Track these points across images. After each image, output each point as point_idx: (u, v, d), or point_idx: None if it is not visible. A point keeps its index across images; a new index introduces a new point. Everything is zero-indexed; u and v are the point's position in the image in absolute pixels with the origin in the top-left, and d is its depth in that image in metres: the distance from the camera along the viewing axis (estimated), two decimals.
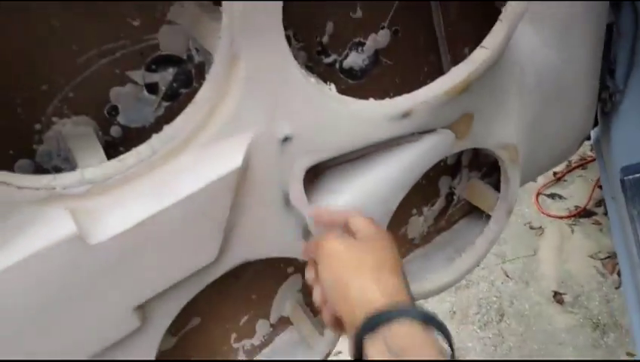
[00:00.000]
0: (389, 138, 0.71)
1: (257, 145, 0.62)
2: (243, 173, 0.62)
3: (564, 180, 2.43)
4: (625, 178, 1.12)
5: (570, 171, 2.46)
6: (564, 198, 2.36)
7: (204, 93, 0.59)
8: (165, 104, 0.68)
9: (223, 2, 0.55)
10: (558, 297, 1.99)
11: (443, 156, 0.78)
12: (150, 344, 0.68)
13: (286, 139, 0.64)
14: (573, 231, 2.22)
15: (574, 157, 2.51)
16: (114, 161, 0.58)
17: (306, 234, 0.72)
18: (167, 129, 0.59)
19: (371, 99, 0.69)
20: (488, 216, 0.96)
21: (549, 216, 2.29)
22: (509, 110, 0.83)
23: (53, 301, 0.56)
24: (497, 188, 0.94)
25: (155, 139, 0.59)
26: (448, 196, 1.01)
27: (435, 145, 0.76)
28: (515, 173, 0.89)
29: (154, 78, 0.66)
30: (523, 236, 2.23)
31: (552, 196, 2.36)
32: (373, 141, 0.70)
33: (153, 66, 0.65)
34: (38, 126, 0.62)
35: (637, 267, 0.99)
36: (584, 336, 1.86)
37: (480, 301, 2.03)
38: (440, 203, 1.01)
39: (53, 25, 0.58)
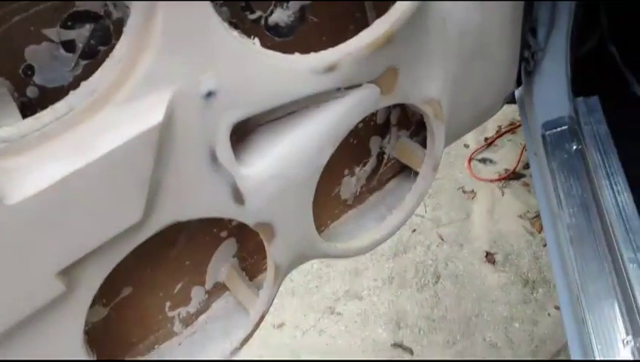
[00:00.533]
0: (315, 93, 0.71)
1: (180, 101, 0.61)
2: (166, 129, 0.61)
3: (495, 145, 2.51)
4: (545, 133, 1.17)
5: (500, 136, 2.54)
6: (495, 162, 2.44)
7: (122, 48, 0.58)
8: (83, 62, 0.66)
9: None
10: (489, 257, 2.07)
11: (369, 112, 0.79)
12: (77, 312, 0.66)
13: (209, 94, 0.63)
14: (503, 193, 2.30)
15: (504, 122, 2.60)
16: (30, 119, 0.56)
17: (236, 194, 0.72)
18: (85, 85, 0.57)
19: (296, 54, 0.69)
20: (417, 174, 0.98)
21: (481, 179, 2.36)
22: (432, 65, 0.85)
23: None
24: (425, 146, 0.97)
25: (72, 96, 0.57)
26: (379, 156, 1.03)
27: (361, 101, 0.76)
28: (440, 128, 0.91)
29: (70, 35, 0.64)
30: (456, 200, 2.30)
31: (484, 161, 2.44)
32: (300, 96, 0.70)
33: (69, 23, 0.63)
34: None
35: (557, 218, 1.04)
36: (515, 293, 1.94)
37: (417, 265, 2.09)
38: (371, 163, 1.02)
39: None
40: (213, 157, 0.68)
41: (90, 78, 0.58)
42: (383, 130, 1.01)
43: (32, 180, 0.55)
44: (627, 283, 0.85)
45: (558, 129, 1.16)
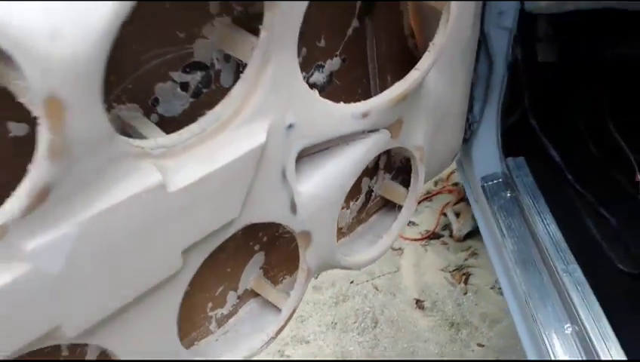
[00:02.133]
0: (351, 133, 0.97)
1: (272, 129, 0.84)
2: (263, 148, 0.83)
3: (416, 210, 2.86)
4: (484, 184, 1.49)
5: (419, 203, 2.89)
6: (417, 224, 2.77)
7: (238, 89, 0.81)
8: (191, 100, 0.88)
9: (264, 22, 0.78)
10: (419, 304, 2.35)
11: (381, 150, 1.05)
12: (179, 290, 0.84)
13: (290, 126, 0.87)
14: (426, 250, 2.62)
15: (422, 192, 2.96)
16: (174, 135, 0.76)
17: (292, 205, 0.94)
18: (211, 114, 0.79)
19: (342, 103, 0.94)
20: (400, 207, 1.24)
21: (406, 239, 2.67)
22: (421, 121, 1.13)
23: (134, 240, 0.72)
24: (404, 185, 1.24)
25: (203, 120, 0.79)
26: (367, 193, 1.28)
27: (377, 142, 1.03)
28: (422, 170, 1.19)
29: (187, 78, 0.86)
30: (387, 256, 2.58)
31: (408, 223, 2.76)
32: (341, 134, 0.96)
33: (187, 69, 0.85)
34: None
35: (502, 247, 1.33)
36: (443, 334, 2.21)
37: (357, 311, 2.32)
38: (361, 199, 1.28)
39: (129, 29, 0.76)
40: (283, 174, 0.90)
41: (214, 109, 0.80)
42: (372, 172, 1.27)
43: (181, 177, 0.75)
44: (563, 287, 1.14)
45: (494, 181, 1.48)
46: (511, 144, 1.52)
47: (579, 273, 1.15)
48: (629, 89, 1.48)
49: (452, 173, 2.87)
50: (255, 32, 0.79)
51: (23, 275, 0.63)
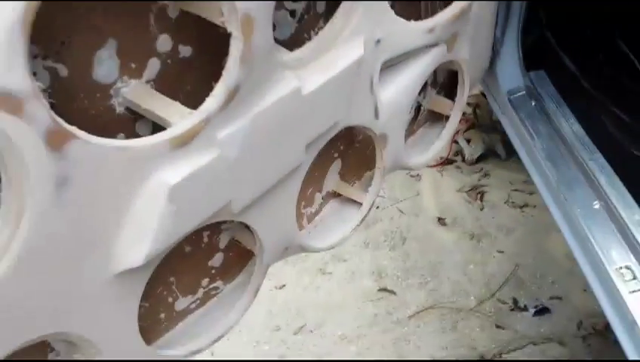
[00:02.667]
0: (421, 45, 1.17)
1: (366, 44, 1.04)
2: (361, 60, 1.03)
3: None
4: (510, 97, 1.69)
5: None
6: None
7: (340, 12, 0.99)
8: (296, 25, 1.06)
9: None
10: (441, 221, 2.59)
11: (439, 63, 1.25)
12: (298, 180, 1.05)
13: (378, 41, 1.06)
14: (442, 175, 2.85)
15: None
16: (301, 50, 0.95)
17: (376, 110, 1.15)
18: (323, 33, 0.98)
19: (412, 20, 1.13)
20: (447, 117, 1.45)
21: None
22: (467, 37, 1.33)
23: (280, 133, 0.92)
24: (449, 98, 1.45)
25: (318, 39, 0.98)
26: (416, 108, 1.49)
27: (437, 55, 1.23)
28: (468, 81, 1.39)
29: (294, 6, 1.04)
30: (407, 183, 2.81)
31: None
32: (413, 47, 1.15)
33: None
34: None
35: (532, 147, 1.54)
36: (465, 244, 2.46)
37: (385, 232, 2.55)
38: (411, 114, 1.48)
39: None
40: (371, 83, 1.10)
41: (324, 29, 0.99)
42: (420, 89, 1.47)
43: (309, 83, 0.94)
44: (589, 172, 1.36)
45: (520, 93, 1.69)
46: (532, 59, 1.71)
47: (602, 160, 1.38)
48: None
49: None
50: None
51: (214, 159, 0.84)
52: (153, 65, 0.87)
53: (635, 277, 1.16)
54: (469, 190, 2.73)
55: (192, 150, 0.81)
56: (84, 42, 0.78)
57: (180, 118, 0.80)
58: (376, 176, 1.28)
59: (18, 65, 0.62)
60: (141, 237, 0.81)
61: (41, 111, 0.65)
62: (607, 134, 1.49)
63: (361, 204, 1.31)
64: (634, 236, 1.19)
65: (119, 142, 0.75)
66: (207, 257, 1.12)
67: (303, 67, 0.95)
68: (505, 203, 2.63)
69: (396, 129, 1.24)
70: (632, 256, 1.19)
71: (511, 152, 2.80)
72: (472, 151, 2.87)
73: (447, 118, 1.46)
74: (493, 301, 2.21)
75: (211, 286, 1.16)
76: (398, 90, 1.19)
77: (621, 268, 1.19)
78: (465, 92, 1.40)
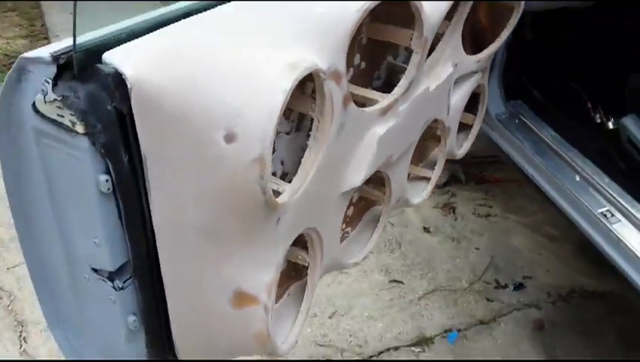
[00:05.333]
0: (472, 70, 1.81)
1: (452, 65, 1.66)
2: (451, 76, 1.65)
3: None
4: (499, 118, 2.38)
5: None
6: None
7: (440, 47, 1.61)
8: None
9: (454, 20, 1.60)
10: (426, 229, 3.21)
11: (478, 84, 1.90)
12: (410, 154, 1.63)
13: (455, 65, 1.69)
14: None
15: None
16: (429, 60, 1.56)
17: (448, 110, 1.76)
18: (433, 56, 1.60)
19: (470, 55, 1.78)
20: (471, 126, 2.09)
21: None
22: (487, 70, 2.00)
23: (418, 114, 1.51)
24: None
25: (431, 58, 1.59)
26: None
27: (478, 78, 1.88)
28: (486, 98, 2.05)
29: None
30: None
31: None
32: (469, 71, 1.79)
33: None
34: None
35: (521, 148, 2.21)
36: (449, 245, 3.08)
37: (383, 240, 3.13)
38: None
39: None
40: (449, 93, 1.72)
41: (432, 55, 1.60)
42: None
43: (432, 84, 1.54)
44: (571, 162, 2.05)
45: (504, 116, 2.38)
46: (510, 92, 2.42)
47: (576, 151, 2.07)
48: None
49: None
50: None
51: (395, 123, 1.41)
52: (350, 73, 1.44)
53: (613, 215, 1.82)
54: (443, 206, 3.38)
55: (388, 117, 1.38)
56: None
57: (381, 98, 1.37)
58: (439, 160, 1.88)
59: (342, 55, 1.17)
60: (361, 167, 1.35)
61: (344, 82, 1.20)
62: (575, 136, 2.19)
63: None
64: (609, 192, 1.87)
65: (363, 109, 1.31)
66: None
67: (427, 75, 1.55)
68: (472, 214, 3.30)
69: (455, 125, 1.86)
70: (607, 203, 1.86)
71: (469, 178, 3.53)
72: (439, 178, 3.54)
73: (470, 126, 2.10)
74: (480, 282, 2.83)
75: (345, 230, 1.69)
76: (457, 100, 1.82)
77: (602, 212, 1.85)
78: (484, 107, 2.06)
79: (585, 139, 2.17)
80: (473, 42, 1.87)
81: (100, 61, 0.92)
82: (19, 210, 1.10)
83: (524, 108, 2.36)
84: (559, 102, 2.38)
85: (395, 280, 2.87)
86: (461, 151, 2.04)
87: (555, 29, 2.33)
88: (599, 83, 2.35)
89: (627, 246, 1.72)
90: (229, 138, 0.96)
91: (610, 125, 2.27)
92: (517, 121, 2.33)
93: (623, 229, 1.77)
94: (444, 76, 1.60)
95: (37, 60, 0.90)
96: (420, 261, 2.99)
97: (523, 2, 1.79)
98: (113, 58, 0.90)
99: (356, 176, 1.35)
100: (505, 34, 1.83)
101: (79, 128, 0.92)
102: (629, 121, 1.91)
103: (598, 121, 2.32)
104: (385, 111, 1.37)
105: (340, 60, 1.16)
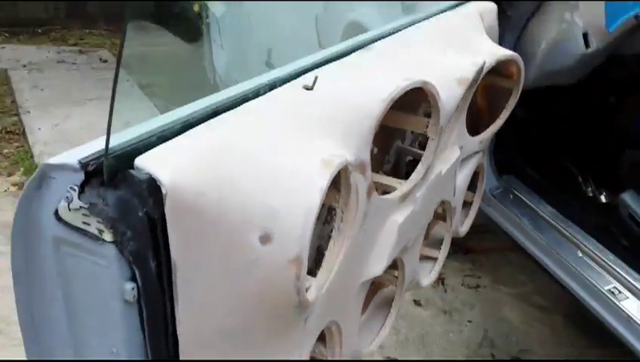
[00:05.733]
0: (474, 151, 1.81)
1: (458, 148, 1.66)
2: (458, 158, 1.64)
3: None
4: (493, 193, 2.38)
5: None
6: None
7: (447, 137, 1.62)
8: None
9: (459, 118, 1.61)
10: (417, 302, 3.15)
11: (479, 163, 1.90)
12: (423, 231, 1.60)
13: (461, 147, 1.69)
14: None
15: None
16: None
17: (454, 191, 1.75)
18: (440, 144, 1.59)
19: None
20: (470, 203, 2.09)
21: None
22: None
23: (431, 198, 1.49)
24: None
25: (441, 145, 1.58)
26: None
27: (480, 157, 1.88)
28: (485, 178, 2.06)
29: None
30: None
31: None
32: (472, 151, 1.79)
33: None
34: None
35: (516, 220, 2.21)
36: (441, 318, 3.03)
37: None
38: None
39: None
40: (455, 173, 1.71)
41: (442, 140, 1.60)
42: None
43: (443, 167, 1.53)
44: (570, 236, 2.05)
45: (498, 191, 2.39)
46: (503, 167, 2.44)
47: (574, 226, 2.08)
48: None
49: None
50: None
51: (413, 210, 1.38)
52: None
53: (620, 292, 1.81)
54: None
55: (407, 203, 1.36)
56: None
57: (399, 185, 1.35)
58: (446, 238, 1.85)
59: (368, 145, 1.15)
60: (382, 256, 1.31)
61: (369, 172, 1.18)
62: (571, 211, 2.20)
63: None
64: (614, 268, 1.86)
65: (384, 196, 1.28)
66: None
67: (438, 158, 1.54)
68: (462, 285, 3.26)
69: (459, 204, 1.84)
70: (614, 280, 1.85)
71: (455, 248, 3.51)
72: None
73: (470, 203, 2.09)
74: (476, 358, 2.76)
75: None
76: (461, 179, 1.81)
77: (610, 289, 1.84)
78: (483, 185, 2.06)
79: (582, 214, 2.18)
80: (470, 123, 1.89)
81: (129, 166, 0.87)
82: (27, 318, 1.02)
83: (517, 182, 2.38)
84: (551, 176, 2.40)
85: (390, 358, 2.78)
86: (463, 229, 2.02)
87: (544, 106, 2.38)
88: (588, 157, 2.39)
89: (638, 323, 1.70)
90: (265, 239, 0.92)
91: (603, 199, 2.29)
92: (512, 197, 2.34)
93: (632, 305, 1.75)
94: (453, 159, 1.60)
95: (62, 167, 0.85)
96: (414, 336, 2.92)
97: (522, 84, 1.82)
98: (147, 163, 0.85)
99: (378, 265, 1.31)
100: (505, 114, 1.85)
101: (107, 236, 0.86)
102: (629, 197, 1.93)
103: (590, 195, 2.34)
104: (404, 198, 1.34)
105: (365, 151, 1.14)
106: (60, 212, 0.86)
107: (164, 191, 0.85)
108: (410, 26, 1.56)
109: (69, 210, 0.86)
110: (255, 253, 0.93)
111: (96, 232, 0.86)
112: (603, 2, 1.99)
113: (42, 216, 0.88)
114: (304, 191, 0.94)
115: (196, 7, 5.06)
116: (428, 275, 1.83)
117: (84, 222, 0.86)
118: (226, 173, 0.90)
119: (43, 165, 0.85)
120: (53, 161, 0.86)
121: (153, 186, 0.85)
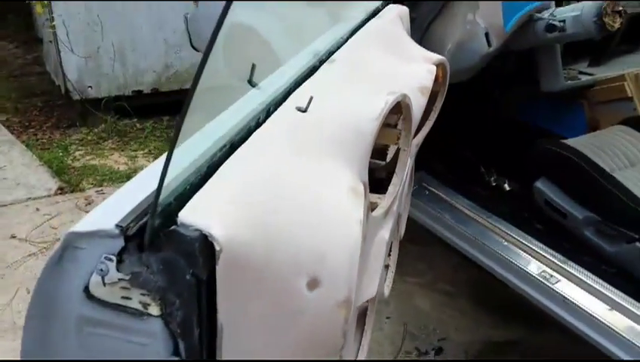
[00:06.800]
0: (412, 155, 1.84)
1: None
2: None
3: None
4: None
5: None
6: None
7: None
8: None
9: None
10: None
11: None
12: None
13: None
14: None
15: None
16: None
17: None
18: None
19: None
20: None
21: None
22: None
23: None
24: None
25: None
26: None
27: (412, 161, 1.91)
28: (413, 178, 2.10)
29: None
30: None
31: None
32: (412, 155, 1.82)
33: None
34: None
35: (436, 213, 2.29)
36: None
37: None
38: None
39: None
40: None
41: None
42: None
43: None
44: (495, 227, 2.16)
45: (415, 187, 2.46)
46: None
47: (488, 214, 2.20)
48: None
49: None
50: None
51: (393, 222, 1.36)
52: None
53: (552, 276, 1.94)
54: None
55: (388, 218, 1.33)
56: None
57: (379, 199, 1.32)
58: (394, 243, 1.86)
59: (367, 167, 1.11)
60: (374, 276, 1.28)
61: (367, 191, 1.13)
62: (485, 201, 2.32)
63: None
64: (541, 254, 1.99)
65: (374, 214, 1.24)
66: None
67: None
68: None
69: (406, 208, 1.86)
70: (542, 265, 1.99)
71: None
72: None
73: None
74: (402, 353, 2.83)
75: None
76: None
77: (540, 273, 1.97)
78: (412, 186, 2.10)
79: (495, 204, 2.31)
80: None
81: (169, 223, 0.75)
82: None
83: (429, 178, 2.46)
84: (456, 169, 2.52)
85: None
86: (402, 233, 2.04)
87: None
88: (487, 148, 2.55)
89: (574, 303, 1.84)
90: (313, 284, 0.85)
91: (507, 187, 2.45)
92: (427, 193, 2.42)
93: (565, 287, 1.89)
94: (410, 166, 1.60)
95: (95, 234, 0.71)
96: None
97: (447, 86, 1.87)
98: (194, 219, 0.74)
99: (371, 287, 1.28)
100: (434, 116, 1.89)
101: (153, 310, 0.73)
102: (542, 185, 2.08)
103: (494, 184, 2.49)
104: (386, 213, 1.32)
105: (365, 171, 1.10)
106: (91, 288, 0.72)
107: (217, 249, 0.74)
108: (351, 34, 1.53)
109: (104, 284, 0.72)
110: (303, 300, 0.85)
111: (139, 307, 0.73)
112: (500, 2, 2.12)
113: (64, 294, 0.73)
114: (345, 227, 0.88)
115: (39, 8, 4.62)
116: (385, 284, 1.82)
117: (124, 296, 0.73)
118: (272, 220, 0.81)
119: (68, 234, 0.70)
120: (78, 228, 0.71)
121: (204, 244, 0.74)
